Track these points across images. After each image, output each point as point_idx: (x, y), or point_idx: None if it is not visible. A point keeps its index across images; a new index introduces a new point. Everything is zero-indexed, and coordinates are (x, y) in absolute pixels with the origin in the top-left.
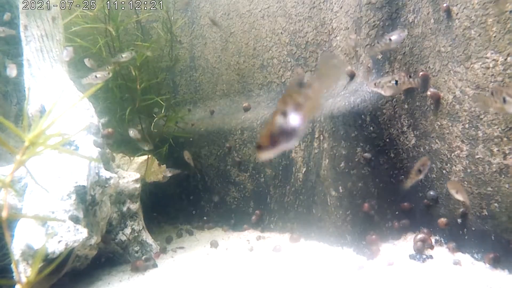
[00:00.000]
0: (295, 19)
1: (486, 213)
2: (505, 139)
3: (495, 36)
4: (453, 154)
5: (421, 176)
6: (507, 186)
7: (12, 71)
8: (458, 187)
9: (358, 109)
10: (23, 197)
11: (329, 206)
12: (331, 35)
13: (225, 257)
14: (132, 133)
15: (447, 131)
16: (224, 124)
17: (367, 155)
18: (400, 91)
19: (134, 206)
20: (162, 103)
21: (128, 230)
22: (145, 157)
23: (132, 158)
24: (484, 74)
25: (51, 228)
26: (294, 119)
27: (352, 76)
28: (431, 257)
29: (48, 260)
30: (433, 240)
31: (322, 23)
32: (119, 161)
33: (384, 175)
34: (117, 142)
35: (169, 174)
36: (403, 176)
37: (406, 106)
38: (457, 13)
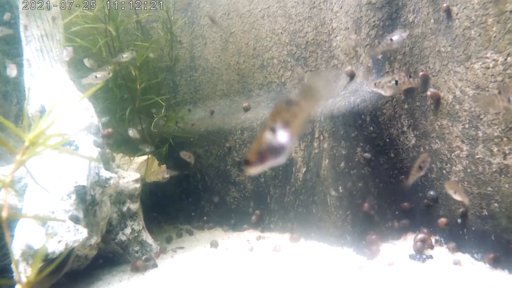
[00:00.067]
0: (295, 19)
1: (486, 213)
2: (505, 139)
3: (495, 36)
4: (453, 154)
5: (422, 173)
6: (507, 186)
7: (12, 71)
8: (456, 188)
9: (358, 109)
10: (23, 197)
11: (329, 206)
12: (331, 35)
13: (225, 257)
14: (132, 133)
15: (447, 131)
16: (224, 124)
17: (367, 155)
18: (400, 91)
19: (134, 206)
20: (162, 103)
21: (128, 230)
22: (145, 157)
23: (132, 158)
24: (484, 74)
25: (51, 228)
26: (281, 136)
27: (352, 76)
28: (431, 257)
29: (48, 260)
30: (433, 240)
31: (322, 23)
32: (119, 161)
33: (384, 175)
34: (117, 142)
35: (166, 175)
36: (403, 176)
37: (406, 106)
38: (457, 13)
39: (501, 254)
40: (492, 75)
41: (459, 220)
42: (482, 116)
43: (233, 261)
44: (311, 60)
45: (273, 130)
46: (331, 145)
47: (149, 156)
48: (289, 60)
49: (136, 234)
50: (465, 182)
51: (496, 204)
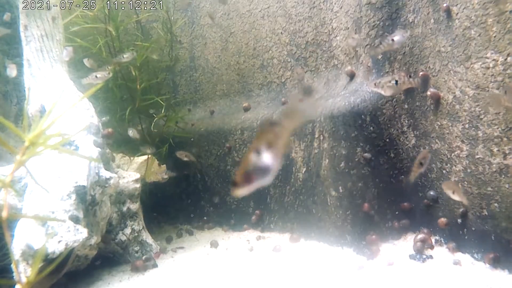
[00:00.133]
0: (295, 19)
1: (486, 213)
2: (505, 139)
3: (495, 36)
4: (453, 154)
5: (423, 169)
6: (507, 186)
7: (12, 71)
8: (455, 188)
9: (358, 109)
10: (23, 197)
11: (329, 206)
12: (331, 35)
13: (225, 257)
14: (132, 133)
15: (447, 131)
16: (224, 124)
17: (367, 155)
18: (400, 91)
19: (134, 206)
20: (162, 103)
21: (128, 230)
22: (145, 157)
23: (132, 158)
24: (484, 74)
25: (51, 228)
26: (266, 158)
27: (352, 76)
28: (431, 257)
29: (48, 260)
30: (433, 240)
31: (322, 23)
32: (119, 161)
33: (384, 175)
34: (117, 142)
35: (165, 176)
36: (403, 176)
37: (406, 106)
38: (457, 13)
39: (501, 254)
40: (492, 75)
41: (459, 220)
42: (482, 116)
43: (233, 261)
44: (311, 60)
45: (258, 152)
46: (331, 145)
47: (149, 156)
48: (289, 60)
49: (136, 234)
50: (465, 182)
51: (496, 204)
